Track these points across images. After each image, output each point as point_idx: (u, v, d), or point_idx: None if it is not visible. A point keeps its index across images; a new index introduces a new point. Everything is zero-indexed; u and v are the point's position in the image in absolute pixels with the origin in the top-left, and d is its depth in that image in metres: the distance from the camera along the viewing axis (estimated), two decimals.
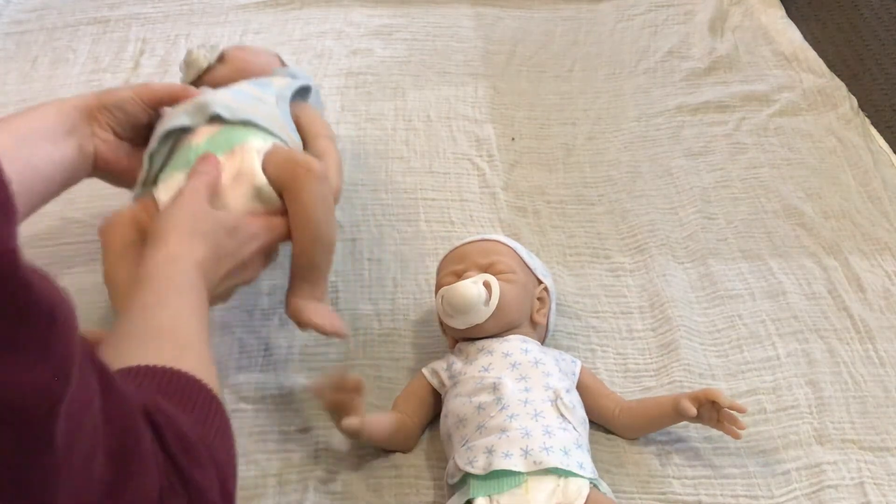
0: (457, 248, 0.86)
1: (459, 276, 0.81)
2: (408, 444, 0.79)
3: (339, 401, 0.72)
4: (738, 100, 1.24)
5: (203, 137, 0.78)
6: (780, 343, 0.89)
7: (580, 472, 0.67)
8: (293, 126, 0.85)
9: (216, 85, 0.87)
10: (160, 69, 1.29)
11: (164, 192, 0.76)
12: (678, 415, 0.75)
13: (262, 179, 0.76)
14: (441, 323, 0.83)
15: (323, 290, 0.79)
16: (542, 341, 0.84)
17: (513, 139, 1.17)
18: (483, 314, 0.77)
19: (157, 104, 0.84)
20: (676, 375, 0.85)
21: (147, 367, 0.53)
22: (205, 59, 0.90)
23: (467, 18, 1.42)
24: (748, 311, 0.93)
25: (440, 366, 0.80)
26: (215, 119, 0.79)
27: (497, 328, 0.79)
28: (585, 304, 0.94)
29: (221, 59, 0.91)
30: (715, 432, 0.78)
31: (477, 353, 0.78)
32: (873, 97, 1.26)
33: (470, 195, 1.07)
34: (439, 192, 1.07)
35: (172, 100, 0.84)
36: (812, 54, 1.32)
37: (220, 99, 0.81)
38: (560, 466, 0.67)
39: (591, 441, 0.75)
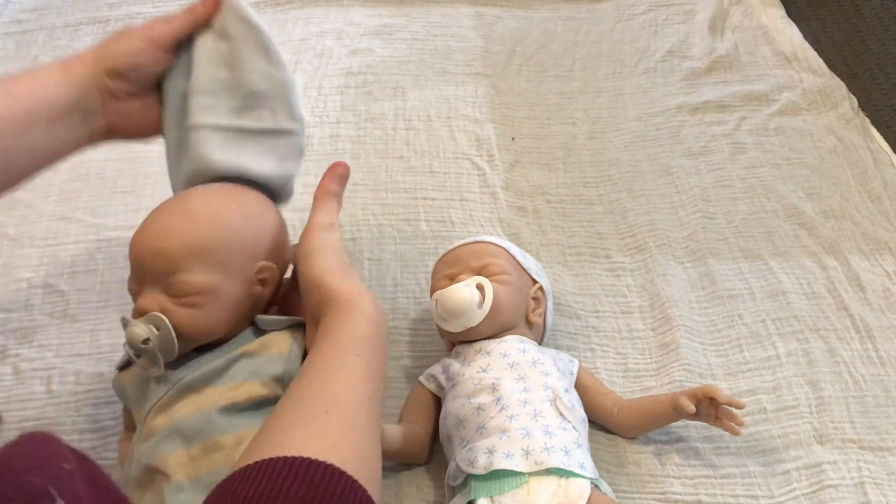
0: (450, 251, 0.86)
1: (453, 279, 0.81)
2: (421, 455, 0.77)
3: None
4: (738, 99, 1.24)
5: None
6: (780, 343, 0.89)
7: (581, 473, 0.67)
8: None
9: None
10: None
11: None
12: (677, 412, 0.75)
13: None
14: (438, 326, 0.83)
15: None
16: (540, 341, 0.84)
17: (513, 139, 1.17)
18: (477, 317, 0.77)
19: (175, 45, 0.75)
20: (676, 375, 0.85)
21: (295, 464, 0.50)
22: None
23: (467, 18, 1.42)
24: (748, 310, 0.93)
25: (436, 369, 0.80)
26: None
27: (492, 330, 0.79)
28: (585, 304, 0.94)
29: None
30: (715, 432, 0.78)
31: (475, 355, 0.78)
32: (873, 97, 1.26)
33: (470, 195, 1.07)
34: (439, 192, 1.07)
35: (193, 30, 0.75)
36: (812, 54, 1.32)
37: None
38: (561, 466, 0.66)
39: (591, 441, 0.76)
